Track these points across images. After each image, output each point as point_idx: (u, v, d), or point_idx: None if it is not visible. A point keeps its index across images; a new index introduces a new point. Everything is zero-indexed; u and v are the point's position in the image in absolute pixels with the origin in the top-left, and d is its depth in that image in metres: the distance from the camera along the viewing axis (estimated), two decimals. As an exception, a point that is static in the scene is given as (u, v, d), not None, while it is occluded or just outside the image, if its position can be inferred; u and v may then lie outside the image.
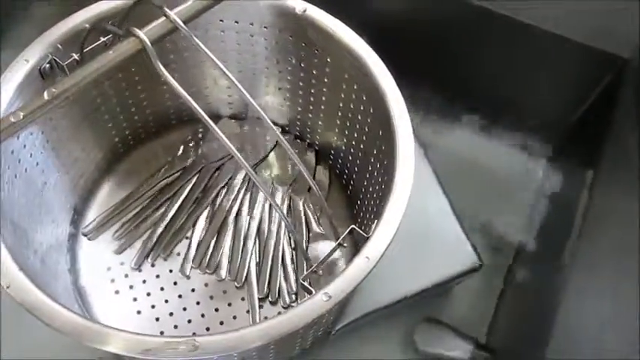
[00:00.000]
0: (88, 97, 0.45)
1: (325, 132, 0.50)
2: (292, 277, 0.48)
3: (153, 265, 0.48)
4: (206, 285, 0.48)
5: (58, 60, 0.39)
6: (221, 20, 0.44)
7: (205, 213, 0.51)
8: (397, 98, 0.39)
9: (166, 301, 0.47)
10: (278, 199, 0.51)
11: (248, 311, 0.47)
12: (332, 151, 0.51)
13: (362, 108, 0.43)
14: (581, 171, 0.47)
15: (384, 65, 0.40)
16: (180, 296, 0.47)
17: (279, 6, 0.42)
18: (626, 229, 0.36)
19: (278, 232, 0.49)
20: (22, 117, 0.30)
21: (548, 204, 0.52)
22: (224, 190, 0.51)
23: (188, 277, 0.48)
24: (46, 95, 0.31)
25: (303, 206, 0.51)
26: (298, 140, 0.54)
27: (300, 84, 0.48)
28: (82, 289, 0.47)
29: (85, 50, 0.38)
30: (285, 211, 0.50)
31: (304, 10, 0.42)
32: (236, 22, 0.44)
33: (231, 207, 0.51)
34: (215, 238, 0.49)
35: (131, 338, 0.31)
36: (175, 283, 0.48)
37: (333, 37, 0.41)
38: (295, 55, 0.45)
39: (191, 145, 0.53)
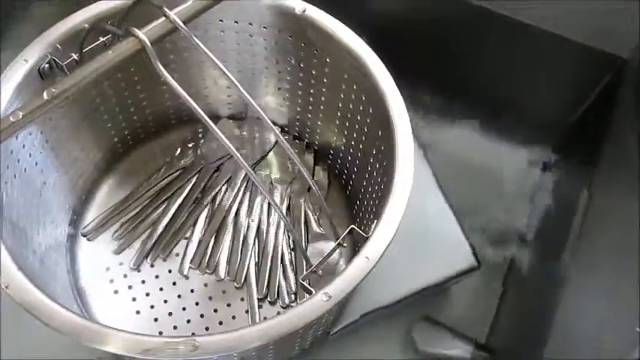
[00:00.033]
0: (88, 97, 0.45)
1: (324, 132, 0.50)
2: (291, 277, 0.48)
3: (152, 266, 0.48)
4: (205, 285, 0.48)
5: (57, 60, 0.39)
6: (220, 20, 0.44)
7: (204, 213, 0.51)
8: (396, 98, 0.39)
9: (165, 302, 0.47)
10: (277, 199, 0.51)
11: (247, 311, 0.47)
12: (331, 151, 0.51)
13: (361, 108, 0.43)
14: (580, 171, 0.47)
15: (383, 65, 0.40)
16: (179, 296, 0.47)
17: (279, 6, 0.42)
18: (626, 229, 0.36)
19: (277, 232, 0.49)
20: (21, 117, 0.30)
21: (548, 204, 0.52)
22: (223, 190, 0.51)
23: (187, 278, 0.48)
24: (45, 95, 0.31)
25: (303, 206, 0.51)
26: (297, 140, 0.54)
27: (300, 84, 0.48)
28: (81, 289, 0.47)
29: (84, 50, 0.38)
30: (284, 211, 0.50)
31: (304, 11, 0.42)
32: (235, 22, 0.44)
33: (230, 207, 0.50)
34: (214, 239, 0.49)
35: (130, 338, 0.31)
36: (174, 284, 0.48)
37: (332, 38, 0.41)
38: (294, 55, 0.45)
39: (190, 145, 0.53)
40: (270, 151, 0.53)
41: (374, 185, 0.43)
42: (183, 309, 0.47)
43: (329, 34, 0.41)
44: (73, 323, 0.32)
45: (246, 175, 0.52)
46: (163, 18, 0.32)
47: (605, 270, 0.37)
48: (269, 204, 0.50)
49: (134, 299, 0.47)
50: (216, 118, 0.54)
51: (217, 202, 0.51)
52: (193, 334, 0.45)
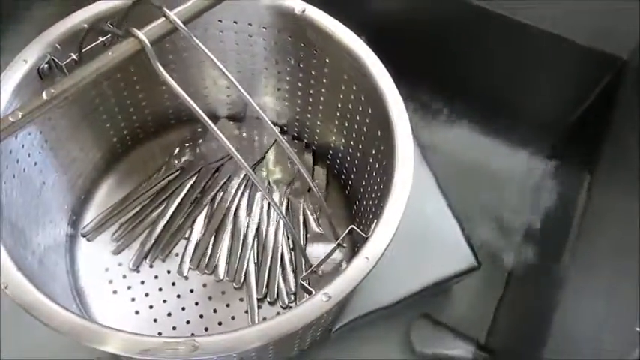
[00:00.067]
0: (87, 97, 0.45)
1: (324, 132, 0.50)
2: (291, 277, 0.48)
3: (151, 266, 0.48)
4: (204, 285, 0.48)
5: (56, 60, 0.39)
6: (220, 20, 0.44)
7: (204, 213, 0.50)
8: (396, 99, 0.39)
9: (165, 302, 0.47)
10: (276, 199, 0.51)
11: (246, 311, 0.47)
12: (330, 152, 0.51)
13: (361, 108, 0.43)
14: (580, 171, 0.47)
15: (382, 66, 0.40)
16: (178, 296, 0.47)
17: (278, 6, 0.42)
18: (625, 229, 0.36)
19: (276, 233, 0.49)
20: (20, 117, 0.30)
21: (547, 204, 0.52)
22: (222, 191, 0.51)
23: (186, 278, 0.48)
24: (44, 95, 0.31)
25: (302, 206, 0.51)
26: (296, 140, 0.54)
27: (299, 84, 0.48)
28: (81, 290, 0.47)
29: (83, 50, 0.38)
30: (283, 211, 0.50)
31: (303, 11, 0.42)
32: (235, 22, 0.44)
33: (229, 207, 0.50)
34: (213, 239, 0.49)
35: (129, 338, 0.31)
36: (174, 284, 0.48)
37: (332, 38, 0.41)
38: (294, 55, 0.45)
39: (190, 145, 0.53)
40: (268, 151, 0.53)
41: (373, 185, 0.43)
42: (183, 309, 0.47)
43: (328, 34, 0.41)
44: (73, 323, 0.32)
45: (245, 175, 0.52)
46: (163, 18, 0.32)
47: (604, 270, 0.37)
48: (268, 204, 0.50)
49: (133, 299, 0.47)
50: (215, 118, 0.54)
51: (216, 202, 0.51)
52: (193, 334, 0.45)
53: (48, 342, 0.41)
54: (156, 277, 0.48)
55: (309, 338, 0.43)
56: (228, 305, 0.47)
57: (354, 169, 0.48)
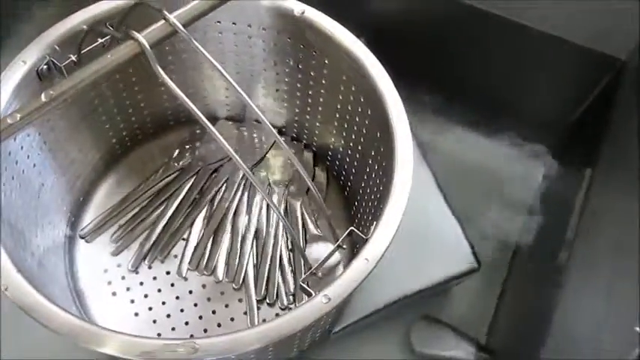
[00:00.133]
0: (86, 99, 0.45)
1: (323, 133, 0.50)
2: (290, 278, 0.48)
3: (150, 267, 0.48)
4: (203, 287, 0.48)
5: (55, 61, 0.39)
6: (219, 22, 0.44)
7: (203, 214, 0.50)
8: (395, 100, 0.39)
9: (164, 303, 0.47)
10: (275, 200, 0.51)
11: (246, 313, 0.47)
12: (330, 153, 0.51)
13: (360, 109, 0.43)
14: (579, 171, 0.47)
15: (382, 67, 0.40)
16: (177, 298, 0.47)
17: (278, 8, 0.42)
18: (624, 228, 0.36)
19: (276, 234, 0.49)
20: (18, 119, 0.30)
21: (547, 204, 0.53)
22: (221, 192, 0.51)
23: (185, 279, 0.48)
24: (43, 97, 0.31)
25: (301, 207, 0.51)
26: (295, 142, 0.54)
27: (298, 85, 0.48)
28: (80, 291, 0.47)
29: (82, 52, 0.38)
30: (282, 212, 0.50)
31: (302, 12, 0.42)
32: (234, 23, 0.44)
33: (228, 208, 0.50)
34: (212, 240, 0.49)
35: (129, 340, 0.31)
36: (173, 285, 0.48)
37: (331, 39, 0.41)
38: (293, 56, 0.45)
39: (189, 146, 0.53)
40: (267, 152, 0.53)
41: (373, 187, 0.43)
42: (182, 310, 0.47)
43: (328, 35, 0.41)
44: (72, 325, 0.32)
45: (244, 176, 0.52)
46: (163, 21, 0.32)
47: (604, 270, 0.37)
48: (267, 205, 0.50)
49: (132, 301, 0.47)
50: (214, 119, 0.54)
51: (215, 203, 0.51)
52: (192, 335, 0.45)
53: (48, 343, 0.41)
54: (155, 278, 0.48)
55: (309, 339, 0.43)
56: (227, 306, 0.47)
57: (354, 171, 0.48)
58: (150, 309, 0.46)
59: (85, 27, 0.39)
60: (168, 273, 0.48)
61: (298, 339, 0.41)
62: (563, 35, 0.47)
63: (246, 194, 0.51)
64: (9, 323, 0.45)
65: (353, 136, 0.46)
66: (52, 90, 0.31)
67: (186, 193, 0.51)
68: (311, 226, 0.50)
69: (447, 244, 0.47)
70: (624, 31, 0.44)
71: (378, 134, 0.40)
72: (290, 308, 0.47)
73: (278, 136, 0.38)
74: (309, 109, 0.49)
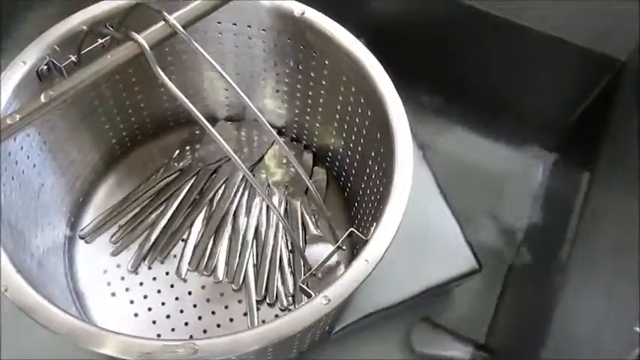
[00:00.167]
0: (86, 99, 0.44)
1: (323, 134, 0.50)
2: (290, 279, 0.48)
3: (150, 268, 0.48)
4: (203, 287, 0.48)
5: (55, 62, 0.38)
6: (219, 22, 0.44)
7: (202, 215, 0.50)
8: (395, 101, 0.39)
9: (163, 304, 0.47)
10: (275, 201, 0.51)
11: (245, 314, 0.47)
12: (329, 154, 0.51)
13: (360, 110, 0.43)
14: (579, 172, 0.47)
15: (382, 68, 0.40)
16: (177, 299, 0.47)
17: (278, 8, 0.42)
18: (624, 229, 0.36)
19: (275, 234, 0.49)
20: (18, 119, 0.30)
21: (547, 205, 0.53)
22: (221, 192, 0.51)
23: (185, 280, 0.48)
24: (42, 98, 0.31)
25: (301, 208, 0.51)
26: (295, 142, 0.54)
27: (298, 86, 0.48)
28: (79, 292, 0.46)
29: (82, 52, 0.38)
30: (282, 213, 0.50)
31: (303, 13, 0.42)
32: (234, 24, 0.44)
33: (228, 209, 0.50)
34: (212, 240, 0.49)
35: (128, 341, 0.31)
36: (172, 286, 0.47)
37: (331, 40, 0.41)
38: (293, 57, 0.45)
39: (188, 147, 0.53)
40: (266, 152, 0.53)
41: (373, 187, 0.43)
42: (181, 311, 0.46)
43: (328, 36, 0.41)
44: (71, 326, 0.32)
45: (244, 177, 0.52)
46: (162, 22, 0.32)
47: (603, 270, 0.37)
48: (267, 206, 0.50)
49: (132, 302, 0.47)
50: (214, 120, 0.54)
51: (215, 204, 0.51)
52: (191, 336, 0.45)
53: (48, 343, 0.41)
54: (154, 278, 0.48)
55: (308, 340, 0.43)
56: (226, 307, 0.47)
57: (354, 171, 0.48)
58: (149, 310, 0.46)
59: (85, 27, 0.39)
60: (167, 274, 0.48)
61: (298, 340, 0.41)
62: (562, 36, 0.47)
63: (245, 195, 0.51)
64: (9, 324, 0.45)
65: (353, 137, 0.46)
66: (52, 90, 0.31)
67: (186, 193, 0.51)
68: (311, 227, 0.50)
69: (447, 245, 0.47)
70: (624, 31, 0.44)
71: (378, 135, 0.40)
72: (290, 309, 0.47)
73: (277, 137, 0.38)
74: (309, 109, 0.49)
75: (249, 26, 0.44)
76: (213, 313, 0.47)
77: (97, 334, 0.31)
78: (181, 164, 0.52)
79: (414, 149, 0.37)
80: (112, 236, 0.49)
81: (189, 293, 0.47)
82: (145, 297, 0.47)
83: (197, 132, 0.53)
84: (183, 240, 0.49)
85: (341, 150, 0.49)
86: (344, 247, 0.39)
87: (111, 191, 0.51)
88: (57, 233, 0.46)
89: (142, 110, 0.50)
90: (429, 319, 0.48)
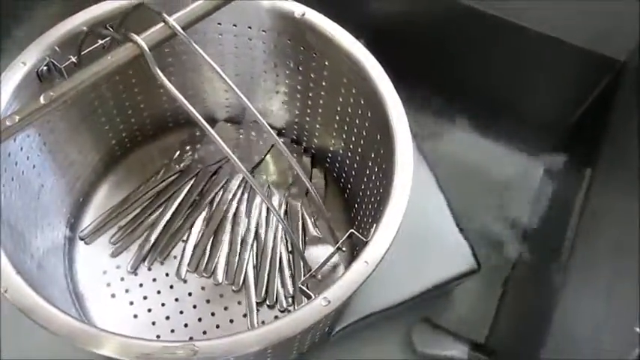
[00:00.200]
0: (86, 100, 0.44)
1: (323, 136, 0.50)
2: (289, 281, 0.48)
3: (149, 269, 0.48)
4: (203, 289, 0.48)
5: (55, 62, 0.38)
6: (219, 24, 0.44)
7: (202, 216, 0.50)
8: (395, 102, 0.39)
9: (163, 305, 0.47)
10: (275, 202, 0.51)
11: (245, 315, 0.47)
12: (329, 155, 0.51)
13: (360, 112, 0.43)
14: (579, 172, 0.47)
15: (382, 69, 0.40)
16: (176, 300, 0.47)
17: (278, 9, 0.42)
18: (624, 229, 0.36)
19: (275, 236, 0.49)
20: (17, 120, 0.30)
21: (547, 205, 0.53)
22: (221, 193, 0.51)
23: (185, 281, 0.48)
24: (42, 99, 0.31)
25: (301, 209, 0.51)
26: (295, 144, 0.54)
27: (298, 88, 0.48)
28: (79, 293, 0.46)
29: (82, 53, 0.38)
30: (282, 215, 0.50)
31: (303, 14, 0.42)
32: (234, 25, 0.44)
33: (228, 210, 0.50)
34: (212, 242, 0.49)
35: (127, 342, 0.31)
36: (172, 287, 0.47)
37: (331, 41, 0.41)
38: (293, 58, 0.45)
39: (188, 148, 0.53)
40: (267, 154, 0.53)
41: (373, 189, 0.43)
42: (181, 312, 0.46)
43: (328, 37, 0.41)
44: (71, 327, 0.32)
45: (243, 178, 0.52)
46: (162, 23, 0.32)
47: (604, 270, 0.37)
48: (267, 207, 0.50)
49: (131, 303, 0.47)
50: (214, 121, 0.54)
51: (215, 205, 0.51)
52: (191, 338, 0.45)
53: (47, 344, 0.41)
54: (154, 280, 0.48)
55: (308, 342, 0.43)
56: (226, 308, 0.47)
57: (354, 173, 0.48)
58: (149, 311, 0.46)
59: (85, 28, 0.39)
60: (167, 275, 0.48)
61: (298, 341, 0.41)
62: (562, 36, 0.47)
63: (245, 196, 0.51)
64: (9, 324, 0.45)
65: (353, 139, 0.46)
66: (52, 91, 0.31)
67: (186, 194, 0.51)
68: (311, 228, 0.50)
69: (446, 245, 0.47)
70: (624, 32, 0.44)
71: (378, 136, 0.40)
72: (289, 311, 0.47)
73: (277, 138, 0.38)
74: (309, 111, 0.49)
75: (249, 27, 0.44)
76: (212, 314, 0.47)
77: (96, 335, 0.31)
78: (181, 165, 0.52)
79: (413, 150, 0.37)
80: (112, 237, 0.49)
81: (189, 294, 0.47)
82: (145, 298, 0.47)
83: (197, 133, 0.53)
84: (183, 241, 0.49)
85: (341, 151, 0.49)
86: (344, 249, 0.39)
87: (111, 192, 0.51)
88: (57, 234, 0.46)
89: (141, 111, 0.50)
90: (430, 319, 0.48)
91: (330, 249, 0.38)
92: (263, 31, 0.44)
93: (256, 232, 0.50)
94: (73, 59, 0.38)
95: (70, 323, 0.32)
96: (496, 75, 0.54)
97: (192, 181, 0.52)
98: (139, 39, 0.31)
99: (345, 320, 0.45)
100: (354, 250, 0.45)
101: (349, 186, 0.50)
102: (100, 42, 0.39)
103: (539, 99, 0.54)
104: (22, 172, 0.40)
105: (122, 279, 0.48)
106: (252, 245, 0.49)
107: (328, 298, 0.32)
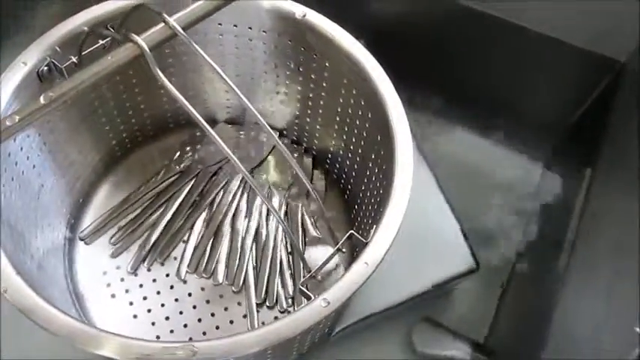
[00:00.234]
0: (86, 100, 0.45)
1: (323, 136, 0.50)
2: (289, 281, 0.48)
3: (149, 269, 0.48)
4: (203, 289, 0.48)
5: (56, 63, 0.38)
6: (220, 24, 0.44)
7: (202, 217, 0.50)
8: (396, 103, 0.39)
9: (163, 306, 0.47)
10: (275, 203, 0.51)
11: (245, 316, 0.47)
12: (330, 156, 0.51)
13: (360, 113, 0.43)
14: (579, 173, 0.47)
15: (382, 70, 0.40)
16: (176, 300, 0.47)
17: (279, 10, 0.42)
18: (624, 229, 0.36)
19: (275, 237, 0.49)
20: (17, 121, 0.30)
21: (547, 206, 0.53)
22: (221, 194, 0.51)
23: (184, 282, 0.48)
24: (42, 99, 0.31)
25: (301, 210, 0.51)
26: (295, 145, 0.54)
27: (299, 88, 0.48)
28: (79, 293, 0.46)
29: (83, 53, 0.38)
30: (282, 216, 0.50)
31: (304, 15, 0.42)
32: (235, 25, 0.44)
33: (228, 211, 0.50)
34: (212, 242, 0.49)
35: (127, 343, 0.31)
36: (172, 287, 0.47)
37: (332, 42, 0.41)
38: (294, 59, 0.45)
39: (188, 148, 0.53)
40: (268, 155, 0.53)
41: (373, 190, 0.43)
42: (181, 313, 0.46)
43: (329, 38, 0.41)
44: (71, 327, 0.32)
45: (244, 179, 0.52)
46: (162, 24, 0.32)
47: (603, 270, 0.37)
48: (267, 208, 0.50)
49: (131, 303, 0.47)
50: (214, 122, 0.54)
51: (215, 206, 0.51)
52: (191, 338, 0.45)
53: (47, 344, 0.41)
54: (154, 280, 0.48)
55: (308, 342, 0.43)
56: (226, 309, 0.47)
57: (354, 174, 0.48)
58: (149, 311, 0.46)
59: (85, 29, 0.39)
60: (167, 275, 0.48)
61: (297, 342, 0.41)
62: (562, 37, 0.47)
63: (245, 197, 0.51)
64: (9, 324, 0.45)
65: (353, 139, 0.46)
66: (52, 92, 0.31)
67: (186, 195, 0.51)
68: (311, 229, 0.50)
69: (446, 245, 0.47)
70: (623, 33, 0.44)
71: (379, 137, 0.40)
72: (289, 311, 0.47)
73: (277, 139, 0.39)
74: (309, 112, 0.49)
75: (250, 28, 0.44)
76: (212, 314, 0.47)
77: (95, 336, 0.31)
78: (181, 166, 0.52)
79: (414, 150, 0.37)
80: (112, 238, 0.49)
81: (189, 295, 0.47)
82: (145, 298, 0.47)
83: (197, 134, 0.53)
84: (183, 242, 0.49)
85: (341, 152, 0.49)
86: (344, 250, 0.39)
87: (111, 192, 0.51)
88: (57, 235, 0.46)
89: (142, 112, 0.50)
90: (431, 318, 0.48)
91: (330, 250, 0.38)
92: (264, 31, 0.44)
93: (256, 233, 0.50)
94: (74, 59, 0.38)
95: (70, 324, 0.32)
96: (496, 75, 0.54)
97: (192, 182, 0.52)
98: (139, 39, 0.31)
99: (345, 321, 0.45)
100: (354, 251, 0.45)
101: (349, 187, 0.50)
102: (101, 42, 0.39)
103: (539, 99, 0.54)
104: (22, 172, 0.40)
105: (122, 279, 0.47)
106: (252, 246, 0.49)
107: (328, 299, 0.32)
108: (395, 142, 0.37)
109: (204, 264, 0.48)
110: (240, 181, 0.52)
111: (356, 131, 0.45)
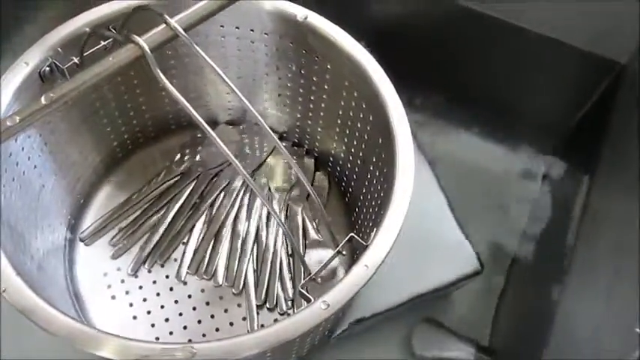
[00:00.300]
0: (87, 101, 0.45)
1: (324, 139, 0.50)
2: (289, 284, 0.48)
3: (149, 271, 0.48)
4: (202, 291, 0.47)
5: (57, 63, 0.39)
6: (221, 26, 0.44)
7: (203, 219, 0.50)
8: (397, 106, 0.39)
9: (162, 307, 0.47)
10: (276, 205, 0.51)
11: (244, 318, 0.46)
12: (331, 158, 0.51)
13: (361, 115, 0.43)
14: (579, 174, 0.47)
15: (383, 72, 0.40)
16: (176, 302, 0.47)
17: (281, 13, 0.42)
18: (624, 230, 0.36)
19: (276, 239, 0.49)
20: (18, 121, 0.30)
21: (547, 206, 0.53)
22: (222, 196, 0.51)
23: (184, 283, 0.48)
24: (43, 100, 0.31)
25: (302, 213, 0.50)
26: (296, 147, 0.53)
27: (300, 91, 0.48)
28: (79, 295, 0.46)
29: (85, 54, 0.38)
30: (282, 218, 0.50)
31: (305, 17, 0.42)
32: (237, 27, 0.44)
33: (228, 213, 0.50)
34: (212, 244, 0.49)
35: (126, 344, 0.31)
36: (172, 289, 0.47)
37: (333, 45, 0.41)
38: (295, 61, 0.45)
39: (189, 150, 0.53)
40: (268, 157, 0.53)
41: (374, 193, 0.43)
42: (180, 315, 0.46)
43: (330, 41, 0.41)
44: (70, 328, 0.32)
45: (244, 181, 0.52)
46: (164, 25, 0.32)
47: (604, 271, 0.37)
48: (267, 210, 0.50)
49: (131, 305, 0.47)
50: (215, 123, 0.54)
51: (215, 208, 0.51)
52: (190, 340, 0.45)
53: (47, 345, 0.41)
54: (154, 282, 0.48)
55: (308, 345, 0.43)
56: (226, 311, 0.47)
57: (355, 177, 0.48)
58: (148, 312, 0.46)
59: (87, 30, 0.39)
60: (167, 277, 0.48)
61: (297, 344, 0.41)
62: (562, 38, 0.47)
63: (246, 199, 0.51)
64: (9, 324, 0.45)
65: (354, 142, 0.46)
66: (53, 92, 0.31)
67: (187, 197, 0.51)
68: (311, 232, 0.49)
69: (449, 247, 0.47)
70: (624, 34, 0.44)
71: (380, 140, 0.40)
72: (289, 314, 0.47)
73: (278, 141, 0.38)
74: (310, 114, 0.49)
75: (251, 30, 0.44)
76: (212, 316, 0.46)
77: (95, 337, 0.31)
78: (182, 168, 0.52)
79: (415, 152, 0.37)
80: (113, 239, 0.49)
81: (189, 296, 0.47)
82: (145, 300, 0.47)
83: (199, 135, 0.53)
84: (183, 243, 0.49)
85: (342, 155, 0.49)
86: (344, 252, 0.39)
87: (111, 194, 0.51)
88: (57, 235, 0.46)
89: (143, 113, 0.50)
90: (433, 319, 0.48)
91: (331, 252, 0.38)
92: (265, 33, 0.44)
93: (257, 235, 0.50)
94: (76, 60, 0.38)
95: (70, 324, 0.32)
96: (496, 76, 0.54)
97: (193, 184, 0.52)
98: (140, 40, 0.31)
99: (345, 322, 0.44)
100: (354, 253, 0.45)
101: (350, 190, 0.50)
102: (103, 43, 0.39)
103: (539, 100, 0.54)
104: (23, 173, 0.40)
105: (122, 281, 0.47)
106: (252, 248, 0.49)
107: (328, 302, 0.32)
108: (396, 145, 0.37)
109: (204, 266, 0.48)
110: (241, 184, 0.52)
111: (357, 134, 0.45)
